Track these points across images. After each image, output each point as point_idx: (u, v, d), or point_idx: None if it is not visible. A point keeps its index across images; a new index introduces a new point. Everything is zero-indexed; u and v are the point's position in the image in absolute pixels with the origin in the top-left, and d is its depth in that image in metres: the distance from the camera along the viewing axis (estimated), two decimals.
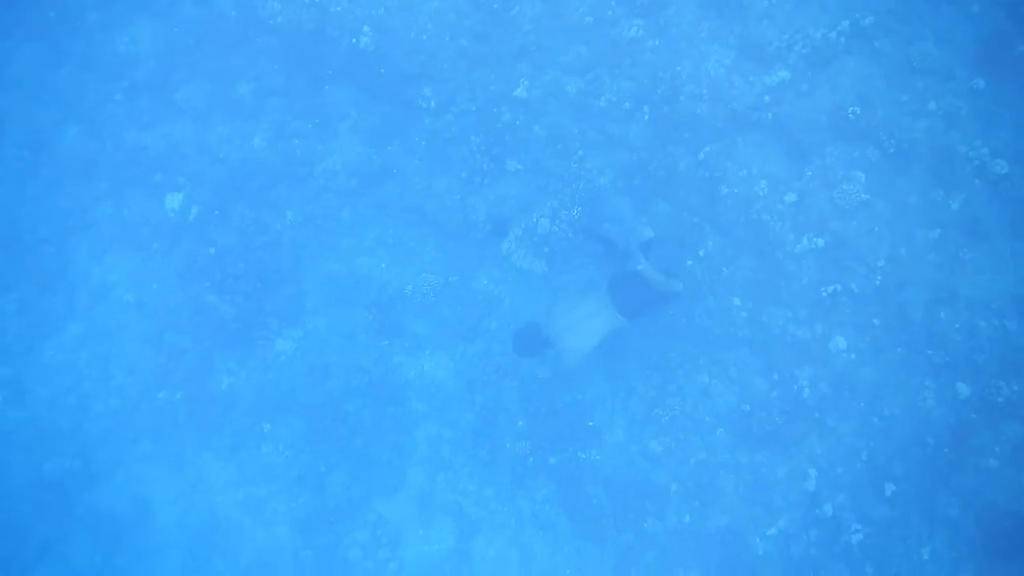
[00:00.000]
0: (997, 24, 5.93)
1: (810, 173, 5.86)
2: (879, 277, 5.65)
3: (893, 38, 5.95)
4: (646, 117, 6.17)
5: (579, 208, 6.10)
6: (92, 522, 6.38)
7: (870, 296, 5.68)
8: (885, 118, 5.82)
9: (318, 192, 6.53)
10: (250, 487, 6.31)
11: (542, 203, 6.20)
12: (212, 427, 6.38)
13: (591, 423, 6.04)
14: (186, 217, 6.55)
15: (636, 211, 6.14)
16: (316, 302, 6.47)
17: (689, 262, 5.99)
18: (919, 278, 5.66)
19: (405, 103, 6.46)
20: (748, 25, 6.08)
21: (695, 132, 6.06)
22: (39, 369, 6.55)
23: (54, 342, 6.60)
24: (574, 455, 6.01)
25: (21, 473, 6.42)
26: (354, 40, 6.38)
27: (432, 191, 6.38)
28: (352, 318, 6.40)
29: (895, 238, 5.70)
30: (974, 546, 5.33)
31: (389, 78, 6.44)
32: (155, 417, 6.43)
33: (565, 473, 6.00)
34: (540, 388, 6.11)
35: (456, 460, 6.18)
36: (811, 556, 5.54)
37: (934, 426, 5.49)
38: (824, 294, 5.71)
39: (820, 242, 5.73)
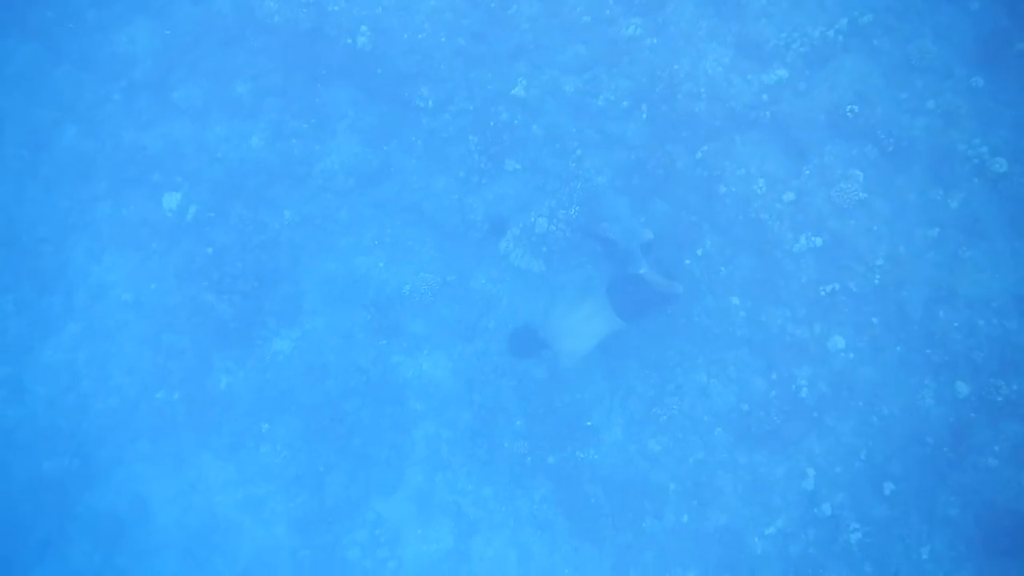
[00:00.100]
0: (996, 22, 5.90)
1: (808, 172, 5.85)
2: (878, 276, 5.64)
3: (892, 36, 5.93)
4: (644, 116, 6.16)
5: (577, 207, 6.09)
6: (91, 521, 6.40)
7: (869, 295, 5.66)
8: (884, 116, 5.80)
9: (316, 192, 6.53)
10: (249, 487, 6.32)
11: (540, 202, 6.19)
12: (211, 427, 6.38)
13: (589, 422, 6.03)
14: (184, 217, 6.55)
15: (634, 210, 6.13)
16: (314, 302, 6.47)
17: (687, 261, 5.98)
18: (918, 277, 5.64)
19: (403, 102, 6.45)
20: (746, 23, 6.07)
21: (693, 131, 6.05)
22: (38, 368, 6.56)
23: (53, 342, 6.61)
24: (572, 454, 6.00)
25: (20, 472, 6.44)
26: (351, 40, 6.38)
27: (430, 190, 6.38)
28: (350, 318, 6.40)
29: (894, 237, 5.69)
30: (973, 545, 5.32)
31: (387, 77, 6.44)
32: (154, 417, 6.43)
33: (563, 472, 5.99)
34: (538, 388, 6.11)
35: (454, 460, 6.18)
36: (810, 555, 5.53)
37: (933, 425, 5.48)
38: (823, 293, 5.70)
39: (818, 241, 5.72)
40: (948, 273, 5.62)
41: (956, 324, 5.53)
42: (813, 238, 5.73)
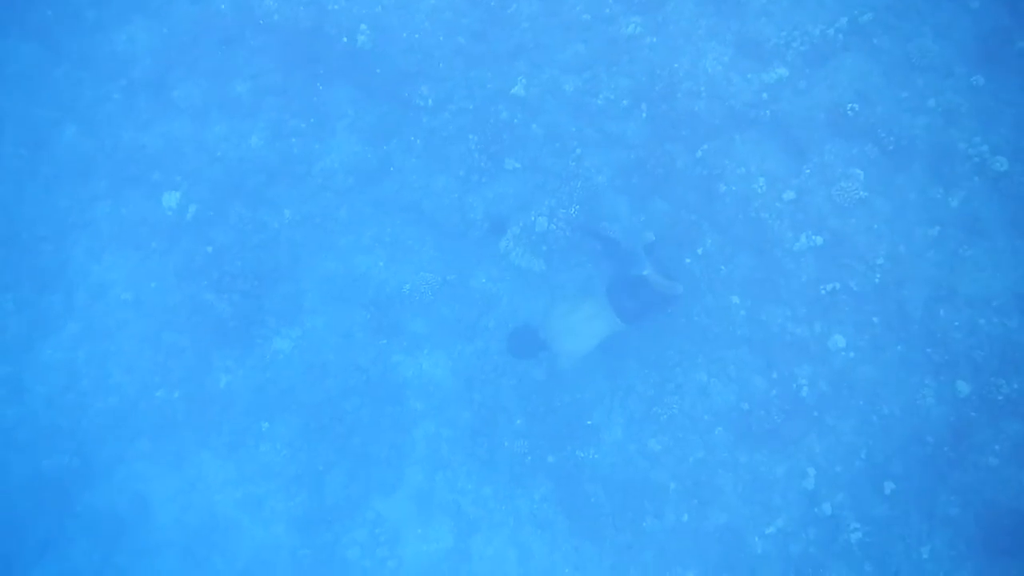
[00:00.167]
0: (997, 20, 5.89)
1: (808, 171, 5.84)
2: (878, 275, 5.63)
3: (892, 35, 5.92)
4: (644, 115, 6.15)
5: (577, 206, 6.08)
6: (91, 520, 6.40)
7: (869, 294, 5.65)
8: (884, 115, 5.79)
9: (316, 191, 6.53)
10: (248, 486, 6.31)
11: (540, 201, 6.19)
12: (210, 426, 6.38)
13: (589, 422, 6.02)
14: (184, 216, 6.55)
15: (634, 209, 6.12)
16: (314, 301, 6.47)
17: (687, 260, 5.97)
18: (918, 276, 5.63)
19: (402, 101, 6.44)
20: (746, 22, 6.06)
21: (693, 130, 6.04)
22: (38, 367, 6.57)
23: (53, 340, 6.61)
24: (572, 454, 6.00)
25: (20, 471, 6.44)
26: (351, 39, 6.37)
27: (430, 189, 6.37)
28: (350, 317, 6.40)
29: (894, 236, 5.68)
30: (974, 544, 5.30)
31: (386, 76, 6.43)
32: (153, 415, 6.43)
33: (563, 472, 5.99)
34: (538, 387, 6.10)
35: (454, 459, 6.17)
36: (810, 555, 5.52)
37: (934, 424, 5.46)
38: (823, 292, 5.69)
39: (819, 240, 5.71)
40: (949, 272, 5.61)
41: (957, 323, 5.52)
42: (813, 237, 5.72)
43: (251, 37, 6.64)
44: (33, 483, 6.41)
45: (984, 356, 5.44)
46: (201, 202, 6.57)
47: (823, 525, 5.53)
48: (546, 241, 6.09)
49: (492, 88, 6.33)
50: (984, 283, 5.57)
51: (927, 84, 5.83)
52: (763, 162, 5.91)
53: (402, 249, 6.44)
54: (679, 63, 6.11)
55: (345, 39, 6.38)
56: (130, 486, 6.42)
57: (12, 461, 6.46)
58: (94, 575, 6.36)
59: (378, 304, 6.36)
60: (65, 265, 6.71)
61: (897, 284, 5.63)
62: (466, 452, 6.14)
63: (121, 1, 6.84)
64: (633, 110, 6.18)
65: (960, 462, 5.38)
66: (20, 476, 6.42)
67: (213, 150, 6.62)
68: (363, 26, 6.35)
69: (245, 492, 6.30)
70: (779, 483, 5.67)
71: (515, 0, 6.32)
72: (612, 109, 6.18)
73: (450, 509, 6.12)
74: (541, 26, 6.32)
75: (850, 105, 5.77)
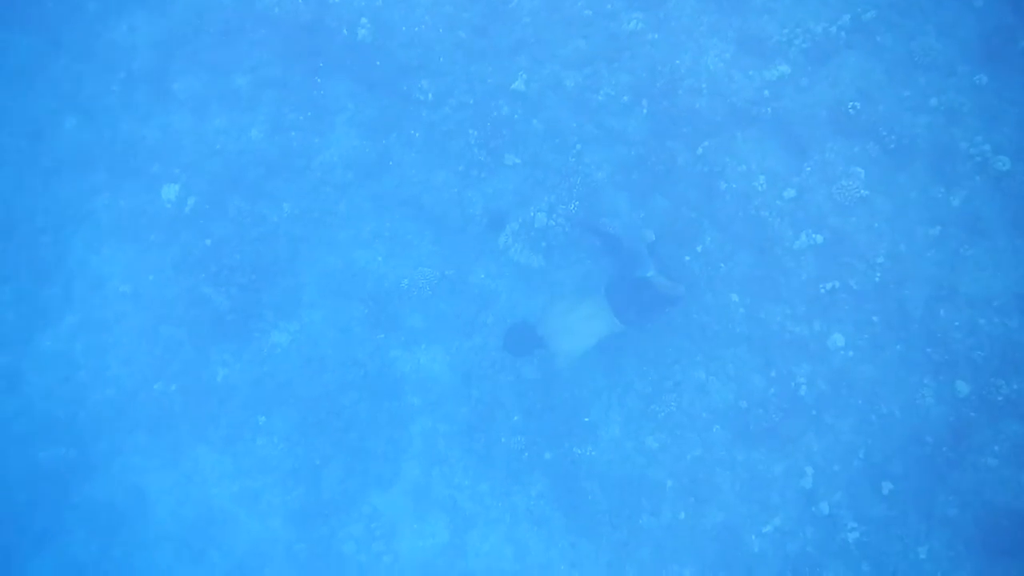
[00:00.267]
0: (1001, 19, 5.86)
1: (809, 169, 5.81)
2: (878, 274, 5.61)
3: (895, 32, 5.89)
4: (645, 111, 6.13)
5: (576, 203, 6.06)
6: (89, 512, 6.40)
7: (869, 293, 5.63)
8: (886, 113, 5.77)
9: (315, 185, 6.51)
10: (245, 479, 6.30)
11: (539, 197, 6.17)
12: (207, 419, 6.37)
13: (587, 419, 6.01)
14: (182, 208, 6.54)
15: (634, 206, 6.10)
16: (312, 295, 6.45)
17: (687, 258, 5.94)
18: (919, 275, 5.61)
19: (402, 96, 6.43)
20: (748, 19, 6.04)
21: (694, 127, 6.02)
22: (35, 359, 6.56)
23: (51, 332, 6.60)
24: (570, 450, 5.98)
25: (18, 463, 6.44)
26: (348, 32, 6.35)
27: (429, 184, 6.36)
28: (348, 311, 6.38)
29: (895, 234, 5.66)
30: (972, 545, 5.28)
31: (386, 70, 6.41)
32: (151, 408, 6.43)
33: (560, 468, 5.97)
34: (536, 384, 6.08)
35: (451, 454, 6.16)
36: (807, 554, 5.50)
37: (933, 424, 5.44)
38: (823, 291, 5.67)
39: (819, 238, 5.69)
40: (949, 271, 5.58)
41: (957, 323, 5.50)
42: (813, 235, 5.70)
43: (251, 30, 6.63)
44: (30, 475, 6.41)
45: (984, 356, 5.41)
46: (200, 195, 6.56)
47: (821, 524, 5.51)
48: (545, 237, 6.07)
49: (492, 83, 6.31)
50: (985, 283, 5.54)
51: (929, 82, 5.80)
52: (764, 160, 5.89)
53: (401, 244, 6.42)
54: (680, 59, 6.09)
55: (345, 31, 6.36)
56: (127, 479, 6.41)
57: (9, 453, 6.46)
58: (91, 567, 6.36)
59: (376, 299, 6.35)
60: (63, 257, 6.70)
61: (897, 283, 5.61)
62: (463, 448, 6.13)
63: None
64: (634, 106, 6.15)
65: (959, 462, 5.36)
66: (17, 468, 6.42)
67: (212, 143, 6.61)
68: (363, 19, 6.33)
69: (242, 486, 6.30)
70: (777, 482, 5.65)
71: None
72: (613, 105, 6.16)
73: (446, 505, 6.11)
74: (542, 21, 6.30)
75: (852, 103, 5.74)
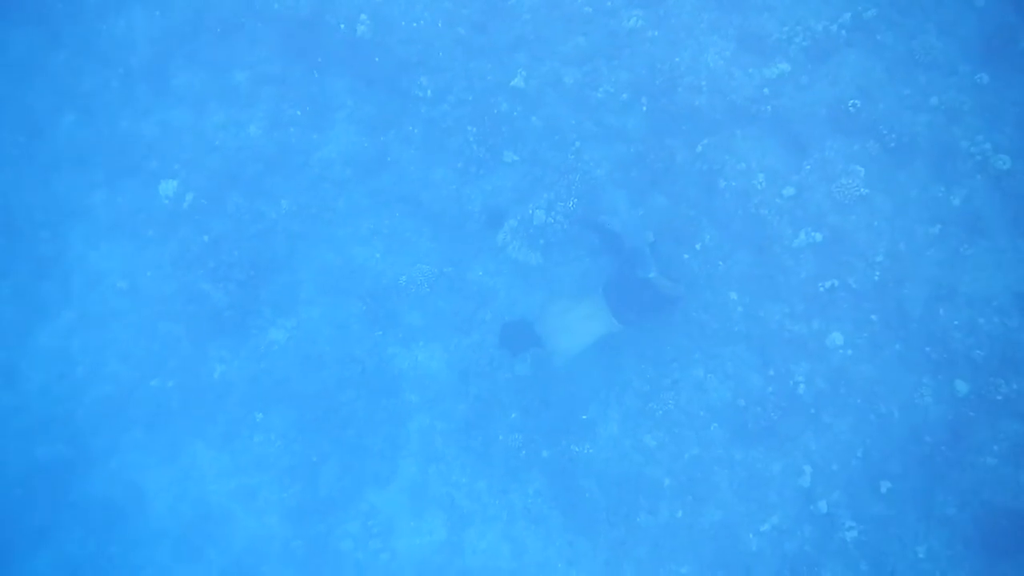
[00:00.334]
0: (1002, 18, 5.83)
1: (809, 167, 5.79)
2: (878, 272, 5.59)
3: (895, 31, 5.87)
4: (644, 109, 6.11)
5: (575, 200, 6.05)
6: (86, 509, 6.39)
7: (868, 292, 5.61)
8: (886, 112, 5.75)
9: (313, 181, 6.50)
10: (242, 476, 6.30)
11: (538, 194, 6.15)
12: (205, 416, 6.36)
13: (585, 416, 5.99)
14: (180, 205, 6.53)
15: (632, 204, 6.08)
16: (310, 292, 6.44)
17: (686, 256, 5.93)
18: (918, 274, 5.59)
19: (401, 92, 6.41)
20: (748, 16, 6.01)
21: (693, 124, 6.00)
22: (33, 355, 6.56)
23: (48, 328, 6.60)
24: (567, 448, 5.97)
25: (15, 459, 6.43)
26: (348, 28, 6.33)
27: (428, 181, 6.34)
28: (346, 308, 6.37)
29: (895, 233, 5.64)
30: (971, 544, 5.27)
31: (385, 67, 6.40)
32: (148, 405, 6.42)
33: (558, 466, 5.96)
34: (534, 381, 6.07)
35: (449, 452, 6.15)
36: (805, 553, 5.49)
37: (931, 423, 5.43)
38: (821, 289, 5.65)
39: (818, 236, 5.67)
40: (949, 270, 5.56)
41: (956, 322, 5.48)
42: (813, 233, 5.68)
43: (250, 26, 6.62)
44: (27, 471, 6.40)
45: (983, 356, 5.39)
46: (198, 191, 6.55)
47: (819, 523, 5.49)
48: (544, 234, 6.05)
49: (492, 80, 6.30)
50: (985, 282, 5.52)
51: (930, 81, 5.78)
52: (763, 158, 5.87)
53: (399, 241, 6.41)
54: (680, 57, 6.07)
55: (344, 27, 6.34)
56: (125, 476, 6.41)
57: (7, 449, 6.45)
58: (89, 564, 6.35)
59: (374, 296, 6.34)
60: (62, 253, 6.70)
61: (897, 282, 5.59)
62: (461, 445, 6.12)
63: None
64: (633, 104, 6.14)
65: (958, 462, 5.34)
66: (15, 465, 6.42)
67: (211, 139, 6.60)
68: (363, 16, 6.32)
69: (239, 483, 6.29)
70: (775, 480, 5.63)
71: None
72: (612, 102, 6.14)
73: (444, 502, 6.10)
74: (542, 18, 6.28)
75: (852, 101, 5.72)
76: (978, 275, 5.54)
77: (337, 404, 6.24)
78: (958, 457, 5.34)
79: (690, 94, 5.99)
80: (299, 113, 6.54)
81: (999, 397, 5.29)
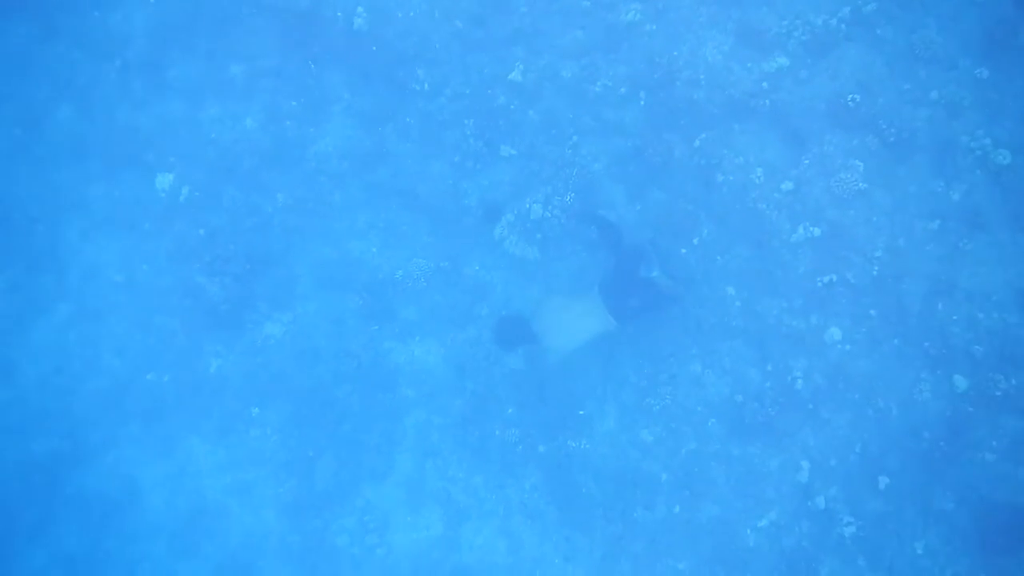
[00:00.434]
0: (1003, 12, 5.81)
1: (807, 161, 5.77)
2: (876, 267, 5.57)
3: (895, 25, 5.85)
4: (642, 103, 6.08)
5: (572, 194, 6.02)
6: (81, 503, 6.36)
7: (867, 287, 5.59)
8: (886, 106, 5.73)
9: (310, 175, 6.47)
10: (238, 471, 6.27)
11: (535, 189, 6.13)
12: (200, 410, 6.33)
13: (582, 412, 5.97)
14: (177, 198, 6.51)
15: (630, 198, 6.05)
16: (306, 286, 6.41)
17: (683, 250, 5.90)
18: (918, 269, 5.57)
19: (398, 85, 6.38)
20: (747, 10, 5.99)
21: (691, 119, 5.98)
22: (28, 348, 6.52)
23: (44, 322, 6.56)
24: (564, 444, 5.94)
25: (10, 454, 6.40)
26: (344, 20, 6.31)
27: (425, 175, 6.32)
28: (342, 302, 6.34)
29: (894, 228, 5.62)
30: (969, 540, 5.25)
31: (382, 60, 6.37)
32: (144, 399, 6.39)
33: (555, 462, 5.93)
34: (530, 376, 6.05)
35: (445, 447, 6.12)
36: (803, 548, 5.47)
37: (930, 419, 5.41)
38: (820, 284, 5.63)
39: (816, 231, 5.65)
40: (948, 266, 5.54)
41: (955, 317, 5.46)
42: (811, 228, 5.65)
43: (247, 19, 6.59)
44: (23, 466, 6.37)
45: (982, 351, 5.37)
46: (194, 184, 6.52)
47: (816, 519, 5.47)
48: (541, 229, 6.03)
49: (489, 73, 6.27)
50: (984, 278, 5.50)
51: (930, 76, 5.76)
52: (762, 152, 5.85)
53: (395, 235, 6.39)
54: (678, 51, 6.04)
55: (341, 19, 6.32)
56: (120, 470, 6.37)
57: (2, 444, 6.42)
58: (84, 558, 6.32)
59: (371, 290, 6.31)
60: (57, 246, 6.66)
61: (896, 277, 5.57)
62: (457, 440, 6.10)
63: None
64: (631, 98, 6.11)
65: (956, 458, 5.32)
66: (10, 459, 6.38)
67: (207, 132, 6.57)
68: (360, 8, 6.29)
69: (235, 477, 6.26)
70: (772, 476, 5.61)
71: None
72: (610, 96, 6.11)
73: (440, 497, 6.07)
74: (540, 11, 6.26)
75: (851, 96, 5.70)
76: (977, 270, 5.51)
77: (333, 399, 6.21)
78: (957, 453, 5.32)
79: (688, 88, 5.97)
80: (296, 106, 6.51)
81: (998, 393, 5.27)
